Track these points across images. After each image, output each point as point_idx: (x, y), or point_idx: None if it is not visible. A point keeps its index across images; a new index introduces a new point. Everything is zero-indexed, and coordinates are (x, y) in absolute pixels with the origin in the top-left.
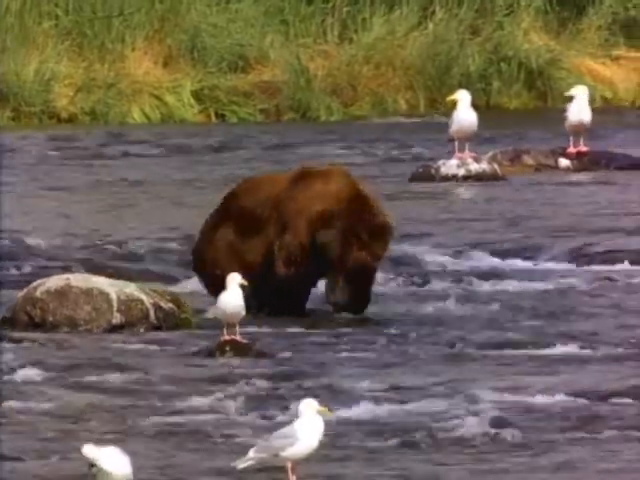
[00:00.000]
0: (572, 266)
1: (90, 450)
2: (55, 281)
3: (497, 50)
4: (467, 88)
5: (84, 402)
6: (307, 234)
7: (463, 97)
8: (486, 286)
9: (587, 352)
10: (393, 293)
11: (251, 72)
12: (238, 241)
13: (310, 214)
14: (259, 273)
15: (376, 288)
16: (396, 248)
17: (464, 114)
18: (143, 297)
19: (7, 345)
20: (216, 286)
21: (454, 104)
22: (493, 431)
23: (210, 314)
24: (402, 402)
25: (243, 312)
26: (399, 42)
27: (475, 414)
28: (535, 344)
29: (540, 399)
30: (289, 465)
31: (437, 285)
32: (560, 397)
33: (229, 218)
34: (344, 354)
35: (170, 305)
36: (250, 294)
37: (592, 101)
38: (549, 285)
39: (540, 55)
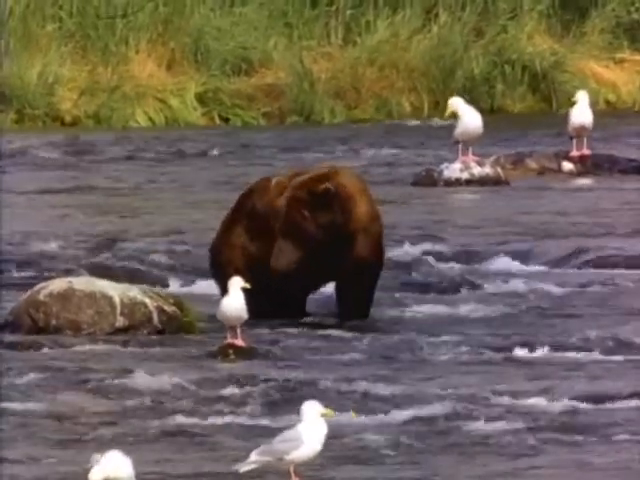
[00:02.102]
0: (575, 269)
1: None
2: (58, 284)
3: (501, 53)
4: (471, 91)
5: (86, 405)
6: None
7: (458, 102)
8: (489, 289)
9: (589, 354)
10: (395, 296)
11: (255, 75)
12: (252, 241)
13: None
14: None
15: (378, 291)
16: (399, 252)
17: (470, 117)
18: (146, 300)
19: (10, 349)
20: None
21: (454, 115)
22: (498, 433)
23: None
24: (406, 405)
25: (245, 315)
26: (403, 45)
27: (478, 416)
28: (538, 346)
29: (542, 401)
30: (292, 468)
31: (439, 288)
32: (561, 399)
33: (244, 218)
34: (347, 357)
35: (173, 308)
36: (253, 297)
37: (595, 104)
38: (552, 288)
39: (544, 58)
